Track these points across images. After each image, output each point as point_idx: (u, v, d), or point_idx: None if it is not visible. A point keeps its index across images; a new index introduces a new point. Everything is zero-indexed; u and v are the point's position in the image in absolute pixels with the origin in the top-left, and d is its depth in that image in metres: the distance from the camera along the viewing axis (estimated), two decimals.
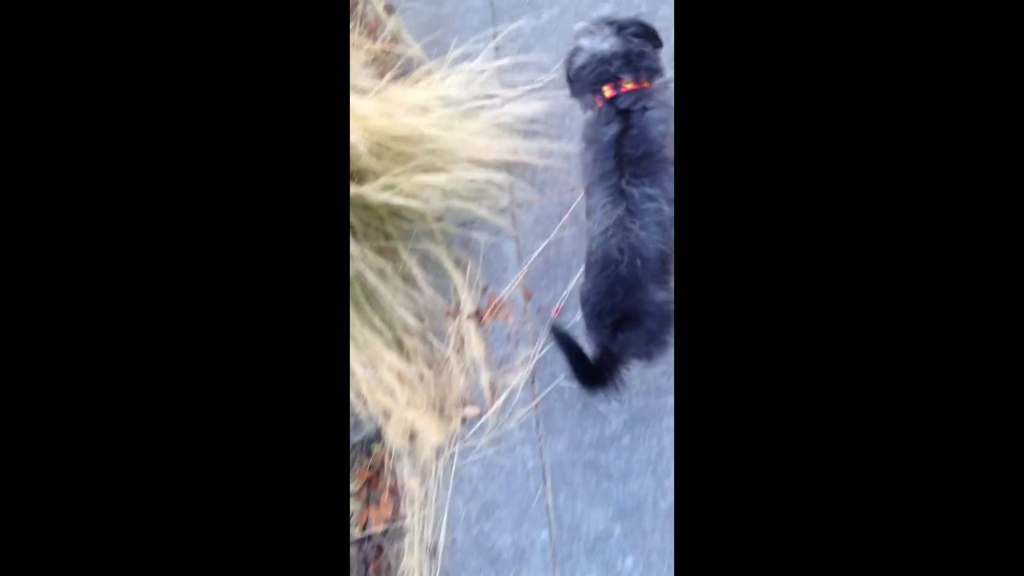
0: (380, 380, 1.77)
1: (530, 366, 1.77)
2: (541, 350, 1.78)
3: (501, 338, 1.85)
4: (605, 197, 1.37)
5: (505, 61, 1.87)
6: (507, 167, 1.83)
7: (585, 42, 1.48)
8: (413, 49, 2.02)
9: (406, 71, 2.08)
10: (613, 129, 1.38)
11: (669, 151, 1.37)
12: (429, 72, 1.80)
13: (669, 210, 1.34)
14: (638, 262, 1.30)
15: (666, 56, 1.51)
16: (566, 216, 1.84)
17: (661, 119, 1.39)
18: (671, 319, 1.35)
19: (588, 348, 1.39)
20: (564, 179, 1.86)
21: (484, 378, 1.83)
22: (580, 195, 1.84)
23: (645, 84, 1.43)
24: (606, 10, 1.57)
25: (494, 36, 2.05)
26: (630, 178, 1.34)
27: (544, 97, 1.83)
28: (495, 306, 1.89)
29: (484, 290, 1.91)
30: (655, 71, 1.47)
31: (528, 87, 1.86)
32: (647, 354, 1.42)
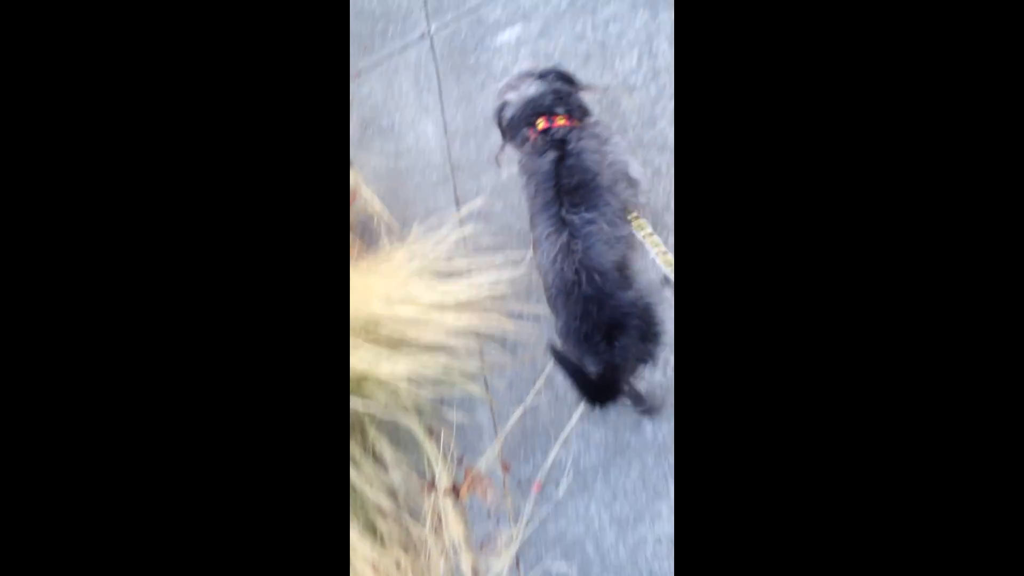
0: (354, 572, 1.63)
1: (514, 547, 1.65)
2: (525, 526, 1.67)
3: (481, 515, 1.74)
4: (548, 227, 1.40)
5: (469, 229, 1.90)
6: (476, 332, 1.80)
7: (511, 95, 1.57)
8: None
9: (372, 243, 2.10)
10: (550, 158, 1.43)
11: (603, 178, 1.43)
12: (394, 246, 1.81)
13: (609, 228, 1.39)
14: (596, 277, 1.33)
15: (592, 99, 1.63)
16: (540, 381, 1.80)
17: (595, 149, 1.45)
18: (652, 309, 1.37)
19: (592, 370, 1.38)
20: (536, 342, 1.84)
21: (465, 561, 1.70)
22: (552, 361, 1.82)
23: (576, 123, 1.51)
24: (524, 66, 1.66)
25: (456, 203, 2.10)
26: (569, 207, 1.39)
27: (511, 263, 1.85)
28: (472, 480, 1.79)
29: (459, 461, 1.83)
30: (584, 111, 1.57)
31: (494, 253, 1.88)
32: (648, 353, 1.40)
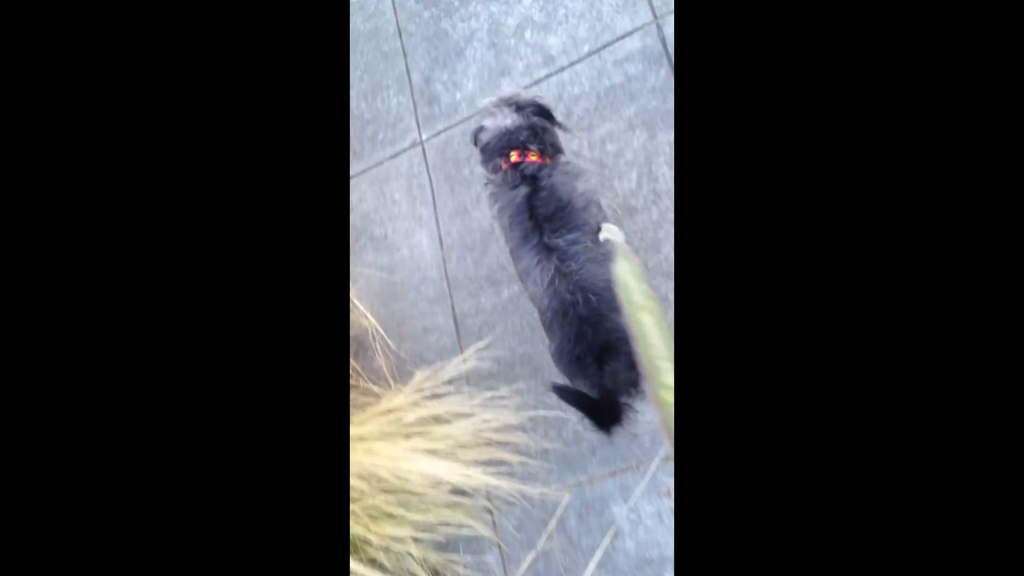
0: None
1: None
2: None
3: None
4: (535, 257, 1.42)
5: (472, 362, 1.84)
6: (482, 471, 1.72)
7: (488, 122, 1.59)
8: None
9: (368, 364, 2.02)
10: (522, 192, 1.46)
11: (576, 203, 1.46)
12: (395, 390, 1.73)
13: (595, 246, 1.42)
14: (592, 298, 1.35)
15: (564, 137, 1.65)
16: (552, 523, 1.72)
17: (565, 183, 1.48)
18: None
19: (591, 394, 1.39)
20: (545, 477, 1.76)
21: None
22: (566, 497, 1.75)
23: (547, 159, 1.53)
24: (506, 91, 1.66)
25: (455, 321, 2.04)
26: (550, 233, 1.42)
27: (516, 393, 1.78)
28: None
29: None
30: (557, 149, 1.59)
31: (497, 384, 1.81)
32: (635, 381, 1.40)
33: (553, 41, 2.14)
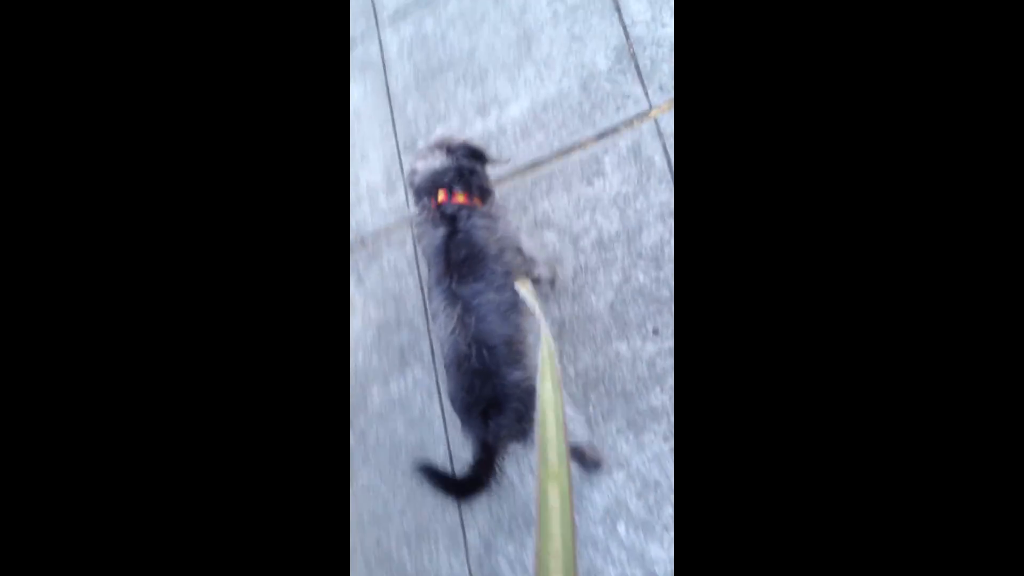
0: None
1: None
2: None
3: None
4: (443, 301, 1.48)
5: None
6: None
7: (420, 164, 1.65)
8: None
9: None
10: (441, 233, 1.52)
11: (489, 249, 1.52)
12: None
13: (496, 295, 1.46)
14: (484, 352, 1.39)
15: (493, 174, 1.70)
16: None
17: (484, 226, 1.54)
18: (533, 393, 1.34)
19: (467, 444, 1.45)
20: None
21: None
22: None
23: (477, 202, 1.58)
24: (440, 135, 1.72)
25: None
26: (458, 280, 1.47)
27: None
28: None
29: None
30: (485, 191, 1.65)
31: None
32: (522, 432, 1.43)
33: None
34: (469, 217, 1.54)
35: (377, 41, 2.71)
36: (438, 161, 1.63)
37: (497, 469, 1.45)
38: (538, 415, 1.02)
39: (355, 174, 2.58)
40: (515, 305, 1.49)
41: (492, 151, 1.73)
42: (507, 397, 1.38)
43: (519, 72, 2.30)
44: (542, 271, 1.92)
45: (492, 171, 1.77)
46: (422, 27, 2.59)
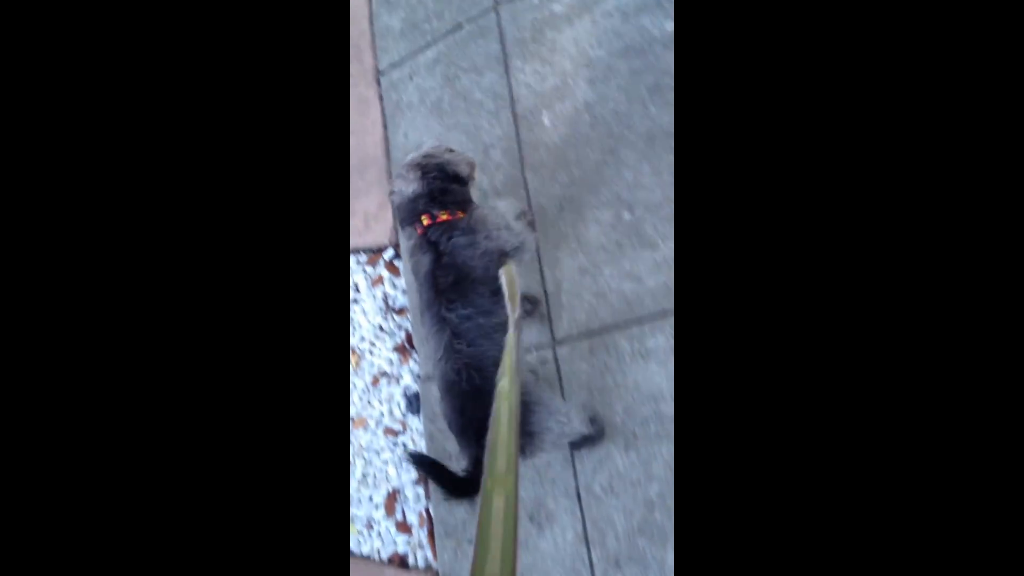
0: None
1: None
2: None
3: None
4: (433, 326, 1.50)
5: None
6: None
7: (399, 184, 1.65)
8: None
9: None
10: (428, 259, 1.54)
11: (477, 270, 1.52)
12: None
13: (485, 319, 1.48)
14: (475, 375, 1.43)
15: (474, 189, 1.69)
16: None
17: (467, 243, 1.54)
18: (528, 408, 1.47)
19: (462, 461, 1.47)
20: None
21: None
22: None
23: (459, 214, 1.58)
24: (416, 154, 1.70)
25: None
26: (447, 304, 1.49)
27: None
28: None
29: None
30: (465, 202, 1.63)
31: None
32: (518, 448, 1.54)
33: None
34: (451, 238, 1.53)
35: None
36: (411, 186, 1.60)
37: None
38: (493, 413, 0.98)
39: None
40: (502, 325, 1.47)
41: (467, 169, 1.67)
42: None
43: None
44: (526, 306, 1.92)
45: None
46: None
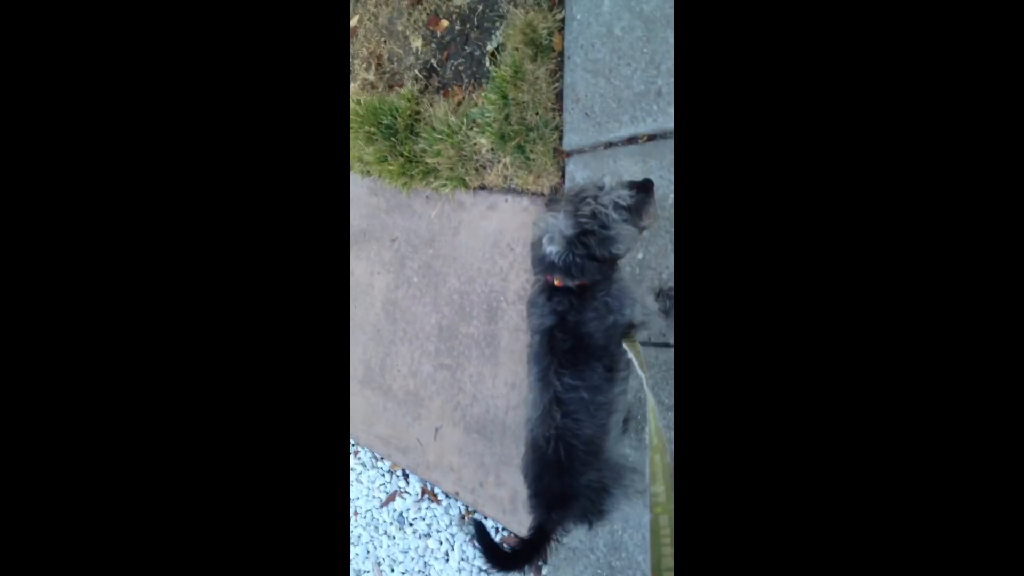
0: None
1: None
2: None
3: None
4: (538, 381, 1.44)
5: None
6: None
7: (543, 220, 1.49)
8: None
9: None
10: (550, 320, 1.45)
11: (596, 340, 1.44)
12: None
13: (589, 396, 1.42)
14: (561, 449, 1.38)
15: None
16: None
17: (596, 316, 1.44)
18: (606, 490, 1.43)
19: (530, 518, 1.44)
20: None
21: None
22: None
23: (583, 283, 1.45)
24: (578, 185, 1.57)
25: None
26: (558, 368, 1.42)
27: None
28: None
29: None
30: (610, 260, 1.46)
31: None
32: (587, 521, 1.45)
33: None
34: (581, 310, 1.42)
35: None
36: (553, 246, 1.43)
37: (547, 551, 1.45)
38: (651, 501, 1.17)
39: None
40: (606, 404, 1.45)
41: (624, 247, 1.46)
42: (575, 498, 1.39)
43: None
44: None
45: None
46: None
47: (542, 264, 1.47)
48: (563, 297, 1.45)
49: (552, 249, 1.44)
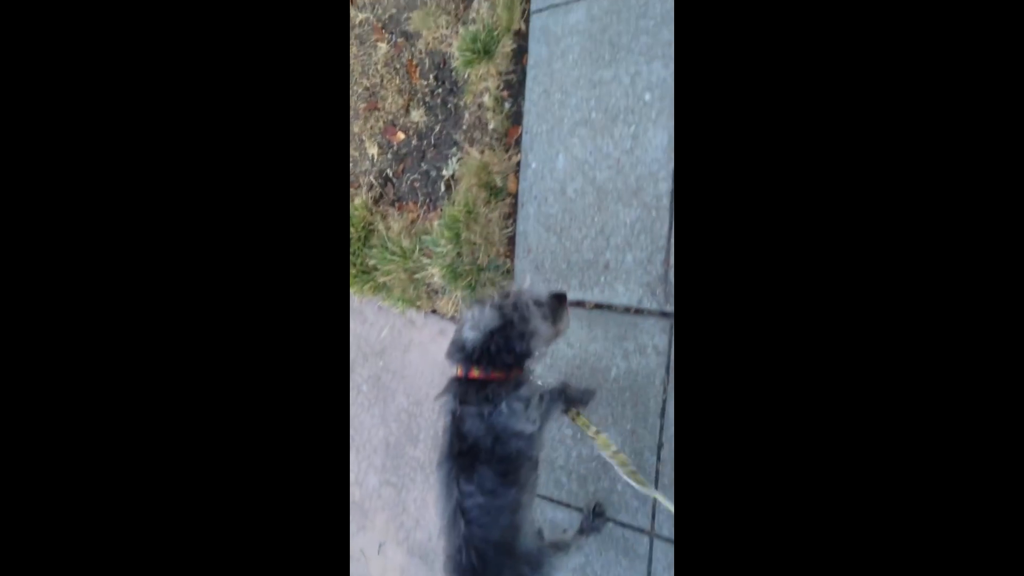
0: None
1: None
2: None
3: None
4: (443, 483, 1.43)
5: None
6: None
7: (469, 313, 1.51)
8: None
9: None
10: (448, 418, 1.44)
11: (482, 444, 1.41)
12: None
13: (487, 500, 1.39)
14: (473, 556, 1.37)
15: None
16: None
17: (477, 414, 1.42)
18: (541, 565, 1.48)
19: None
20: None
21: None
22: None
23: (514, 372, 1.46)
24: (494, 314, 1.50)
25: None
26: (458, 470, 1.40)
27: None
28: None
29: None
30: (524, 360, 1.49)
31: None
32: None
33: None
34: (470, 405, 1.41)
35: None
36: (473, 332, 1.45)
37: None
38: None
39: None
40: (507, 506, 1.42)
41: (544, 343, 1.52)
42: None
43: None
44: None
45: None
46: None
47: (456, 349, 1.48)
48: (462, 390, 1.43)
49: (471, 335, 1.45)
